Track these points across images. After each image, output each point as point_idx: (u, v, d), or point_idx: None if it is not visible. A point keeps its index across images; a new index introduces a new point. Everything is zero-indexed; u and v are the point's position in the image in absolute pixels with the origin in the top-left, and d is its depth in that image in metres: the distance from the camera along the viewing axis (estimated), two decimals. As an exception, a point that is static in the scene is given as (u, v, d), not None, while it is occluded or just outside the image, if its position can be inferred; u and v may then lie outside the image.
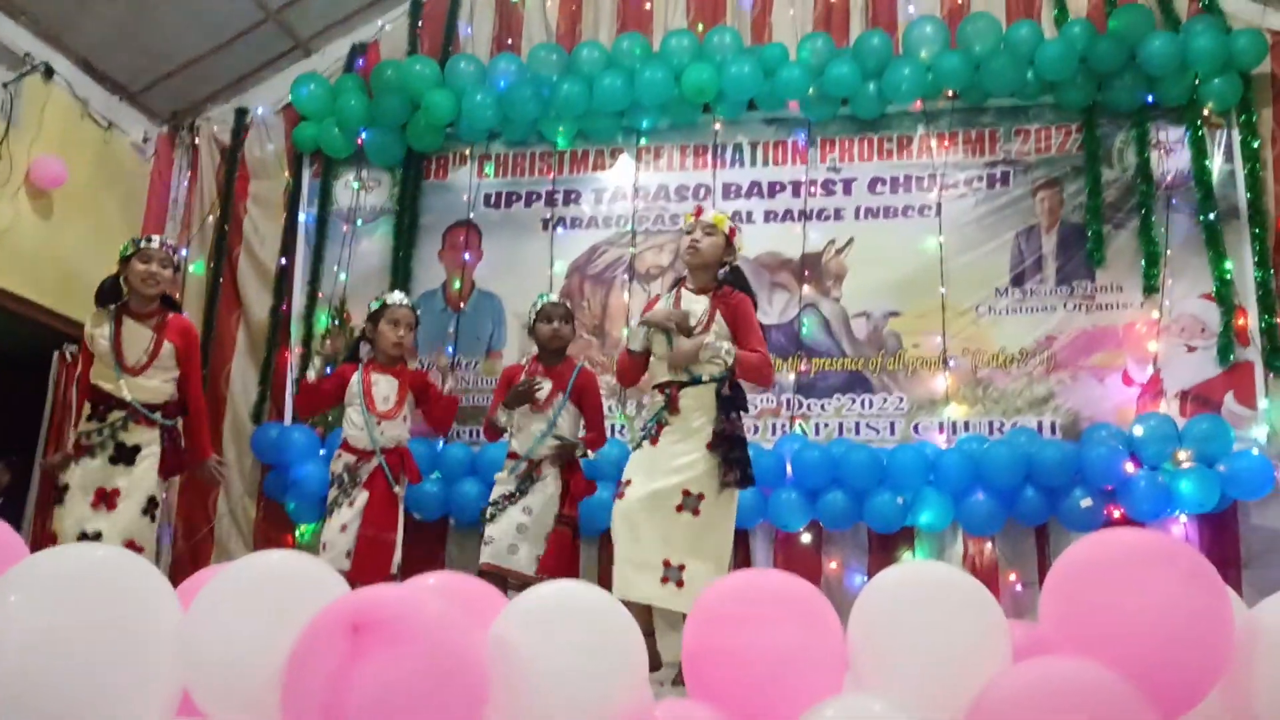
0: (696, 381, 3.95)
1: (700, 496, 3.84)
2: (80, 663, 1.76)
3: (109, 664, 1.77)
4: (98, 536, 4.07)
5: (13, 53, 5.43)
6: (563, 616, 1.86)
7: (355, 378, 4.60)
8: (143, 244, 4.41)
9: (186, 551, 5.81)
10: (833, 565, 5.37)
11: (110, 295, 4.38)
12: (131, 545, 4.14)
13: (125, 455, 4.21)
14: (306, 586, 1.84)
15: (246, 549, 5.87)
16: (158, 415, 4.30)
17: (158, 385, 4.33)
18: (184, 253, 6.19)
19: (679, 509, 3.82)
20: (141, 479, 4.23)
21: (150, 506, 4.26)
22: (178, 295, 5.36)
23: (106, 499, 4.16)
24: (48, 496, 5.44)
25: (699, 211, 4.18)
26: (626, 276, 5.96)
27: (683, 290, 4.15)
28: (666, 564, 3.79)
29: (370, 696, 1.59)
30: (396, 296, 4.77)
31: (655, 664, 3.82)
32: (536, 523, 4.44)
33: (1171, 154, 5.56)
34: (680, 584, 3.76)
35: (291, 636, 1.71)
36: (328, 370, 4.70)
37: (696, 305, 4.05)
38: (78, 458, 4.21)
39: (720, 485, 3.86)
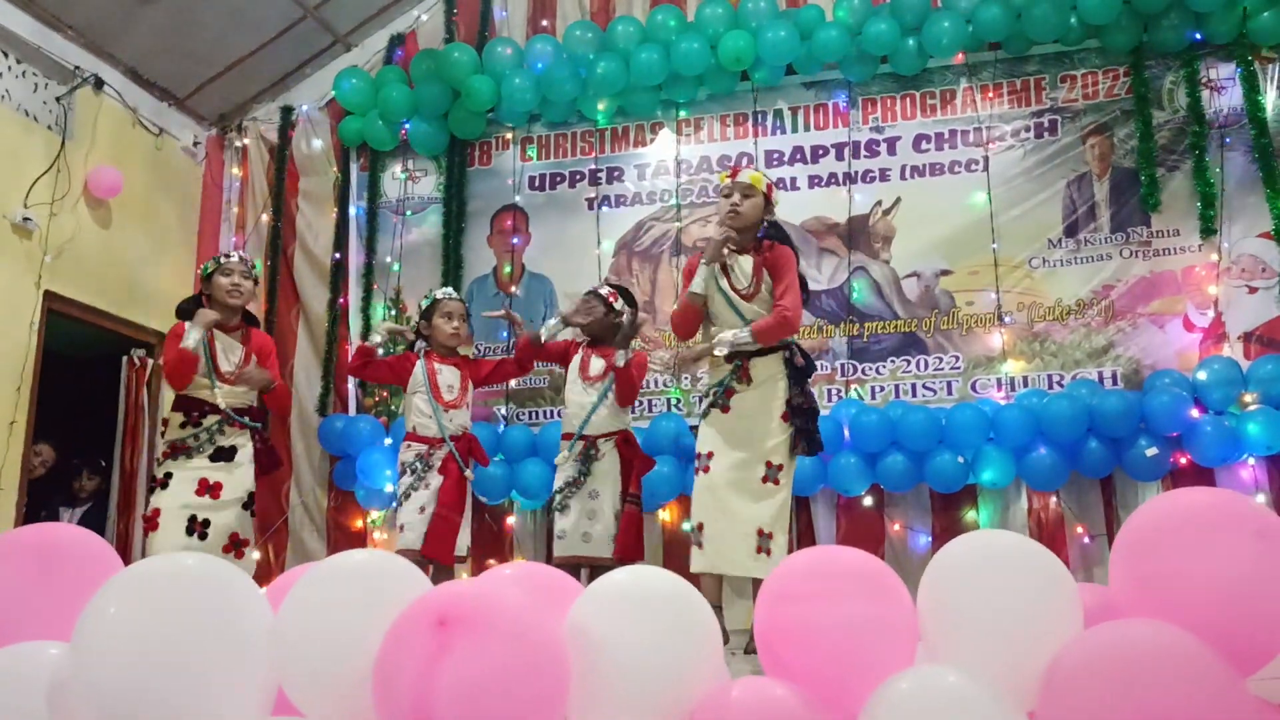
0: (765, 350, 3.99)
1: (780, 467, 3.93)
2: (179, 668, 1.83)
3: (207, 668, 1.85)
4: (206, 524, 4.36)
5: (63, 66, 5.55)
6: (637, 601, 1.89)
7: (419, 367, 4.66)
8: (222, 259, 4.64)
9: (263, 544, 5.97)
10: (896, 528, 5.37)
11: (192, 312, 4.58)
12: (235, 538, 4.47)
13: (225, 454, 4.49)
14: (391, 583, 1.90)
15: (320, 538, 6.03)
16: (246, 419, 4.57)
17: (244, 392, 4.61)
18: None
19: (764, 480, 3.90)
20: (242, 477, 4.52)
21: (250, 501, 4.56)
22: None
23: (211, 489, 4.42)
24: (129, 500, 5.66)
25: (735, 171, 4.17)
26: (673, 251, 5.97)
27: (726, 250, 4.16)
28: (760, 533, 3.86)
29: (458, 688, 1.65)
30: (446, 291, 4.86)
31: (723, 638, 3.88)
32: (604, 504, 4.49)
33: (1223, 92, 5.43)
34: (769, 553, 3.83)
35: (379, 633, 1.77)
36: (380, 352, 4.81)
37: (745, 264, 4.08)
38: (176, 456, 4.44)
39: (791, 454, 3.95)
